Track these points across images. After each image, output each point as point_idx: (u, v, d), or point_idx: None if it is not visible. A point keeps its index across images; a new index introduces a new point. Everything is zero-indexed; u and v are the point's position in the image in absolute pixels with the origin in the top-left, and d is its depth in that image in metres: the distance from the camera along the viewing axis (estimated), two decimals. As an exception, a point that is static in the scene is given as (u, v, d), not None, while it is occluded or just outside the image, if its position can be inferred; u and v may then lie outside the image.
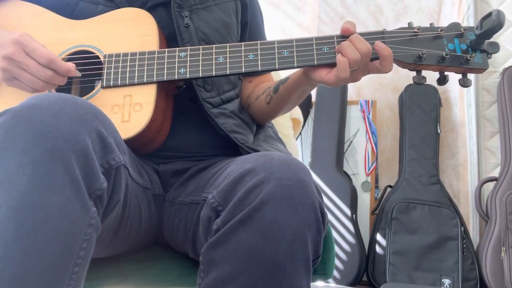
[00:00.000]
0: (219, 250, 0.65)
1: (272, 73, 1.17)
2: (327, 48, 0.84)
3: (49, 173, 0.57)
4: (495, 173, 1.97)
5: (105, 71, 0.88)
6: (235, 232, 0.63)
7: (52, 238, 0.56)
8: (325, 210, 0.69)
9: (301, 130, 2.28)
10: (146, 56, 0.88)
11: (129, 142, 0.83)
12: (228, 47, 0.87)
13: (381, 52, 0.80)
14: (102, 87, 0.88)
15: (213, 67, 0.86)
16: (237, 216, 0.64)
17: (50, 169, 0.58)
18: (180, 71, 0.87)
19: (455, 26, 0.84)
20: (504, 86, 1.95)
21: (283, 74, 1.33)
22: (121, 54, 0.89)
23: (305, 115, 2.30)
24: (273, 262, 0.61)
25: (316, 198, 0.66)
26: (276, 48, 0.86)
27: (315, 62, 0.84)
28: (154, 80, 0.87)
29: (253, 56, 0.86)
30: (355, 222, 2.08)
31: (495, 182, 1.91)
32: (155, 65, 0.88)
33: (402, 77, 2.28)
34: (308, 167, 2.17)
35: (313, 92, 2.28)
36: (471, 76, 0.86)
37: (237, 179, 0.67)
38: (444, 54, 0.81)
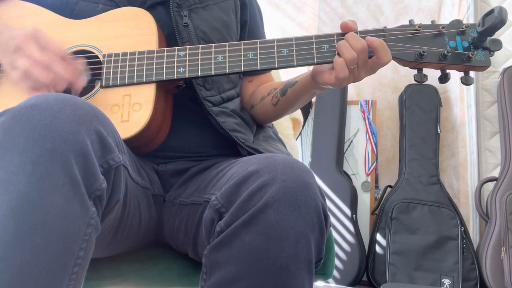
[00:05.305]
0: (222, 252, 0.64)
1: (273, 72, 1.16)
2: (327, 47, 0.84)
3: (49, 173, 0.57)
4: (495, 173, 1.97)
5: (104, 70, 0.88)
6: (238, 234, 0.63)
7: (51, 238, 0.56)
8: (328, 212, 0.68)
9: (301, 130, 2.28)
10: (145, 55, 0.88)
11: (129, 141, 0.83)
12: (227, 46, 0.87)
13: (372, 45, 0.79)
14: (102, 87, 0.87)
15: (212, 66, 0.86)
16: (241, 218, 0.63)
17: (49, 169, 0.57)
18: (179, 70, 0.87)
19: (456, 23, 0.83)
20: (504, 86, 1.95)
21: (283, 73, 1.33)
22: (120, 54, 0.88)
23: (305, 115, 2.30)
24: (277, 264, 0.61)
25: (320, 200, 0.66)
26: (275, 47, 0.85)
27: (315, 61, 0.83)
28: (153, 79, 0.86)
29: (252, 55, 0.86)
30: (355, 222, 2.07)
31: (495, 182, 1.91)
32: (154, 64, 0.87)
33: (402, 77, 2.28)
34: (308, 167, 2.16)
35: (313, 92, 2.27)
36: (471, 74, 0.86)
37: (241, 181, 0.66)
38: (445, 52, 0.81)
